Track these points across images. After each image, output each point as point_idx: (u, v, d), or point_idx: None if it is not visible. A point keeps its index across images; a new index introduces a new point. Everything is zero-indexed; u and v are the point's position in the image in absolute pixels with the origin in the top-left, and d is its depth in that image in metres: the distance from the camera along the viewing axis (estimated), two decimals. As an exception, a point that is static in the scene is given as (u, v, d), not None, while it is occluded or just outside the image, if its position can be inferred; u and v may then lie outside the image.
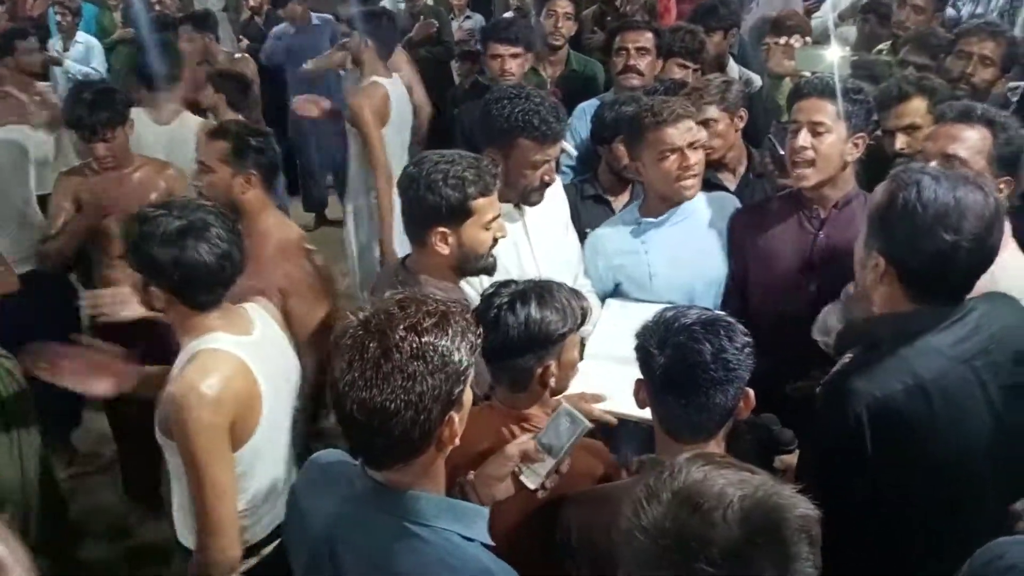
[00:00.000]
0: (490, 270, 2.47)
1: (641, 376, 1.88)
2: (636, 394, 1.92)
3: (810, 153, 2.65)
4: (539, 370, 2.07)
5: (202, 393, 2.12)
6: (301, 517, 1.73)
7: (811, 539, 1.16)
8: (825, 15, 5.62)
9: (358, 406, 1.44)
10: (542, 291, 2.08)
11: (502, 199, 2.66)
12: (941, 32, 4.14)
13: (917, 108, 3.10)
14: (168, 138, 4.41)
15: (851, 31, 5.40)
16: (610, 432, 2.41)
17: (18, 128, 4.40)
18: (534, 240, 2.83)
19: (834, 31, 5.15)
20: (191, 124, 4.49)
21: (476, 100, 4.58)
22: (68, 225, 3.73)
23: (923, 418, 1.85)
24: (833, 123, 2.63)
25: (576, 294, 2.19)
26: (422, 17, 6.52)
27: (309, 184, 7.05)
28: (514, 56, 4.30)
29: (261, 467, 2.33)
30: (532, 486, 1.81)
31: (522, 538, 2.02)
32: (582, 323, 2.15)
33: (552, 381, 2.11)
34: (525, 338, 2.04)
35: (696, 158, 2.86)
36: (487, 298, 2.12)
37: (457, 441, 1.57)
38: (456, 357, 1.48)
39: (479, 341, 1.55)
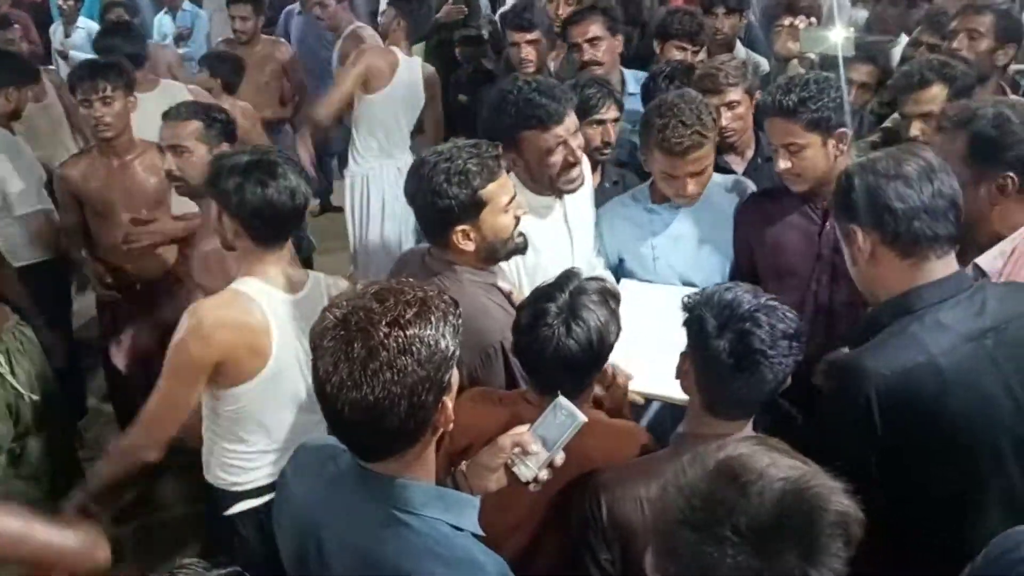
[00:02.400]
0: (521, 250, 2.44)
1: (686, 350, 1.90)
2: (679, 366, 1.92)
3: (793, 170, 2.66)
4: (597, 375, 2.10)
5: (197, 324, 2.29)
6: (289, 502, 1.73)
7: (846, 537, 1.14)
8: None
9: (350, 406, 1.43)
10: (583, 298, 2.04)
11: (539, 192, 2.67)
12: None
13: (936, 95, 3.06)
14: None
15: (860, 14, 5.37)
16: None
17: None
18: (573, 230, 2.80)
19: (841, 13, 5.11)
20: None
21: (487, 86, 4.57)
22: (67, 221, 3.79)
23: (935, 395, 1.85)
24: (803, 139, 2.62)
25: (602, 280, 2.18)
26: (451, 0, 6.47)
27: (314, 170, 7.02)
28: (530, 43, 4.27)
29: (269, 418, 2.44)
30: (524, 479, 1.78)
31: (537, 518, 2.06)
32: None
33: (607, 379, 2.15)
34: (591, 356, 2.03)
35: (697, 184, 2.83)
36: (530, 330, 2.04)
37: (451, 426, 1.57)
38: (442, 344, 1.47)
39: (460, 322, 1.53)
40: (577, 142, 2.66)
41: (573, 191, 2.72)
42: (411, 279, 1.58)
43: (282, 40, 6.23)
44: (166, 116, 3.15)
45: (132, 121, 3.82)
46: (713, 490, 1.15)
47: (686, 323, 1.87)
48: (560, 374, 2.01)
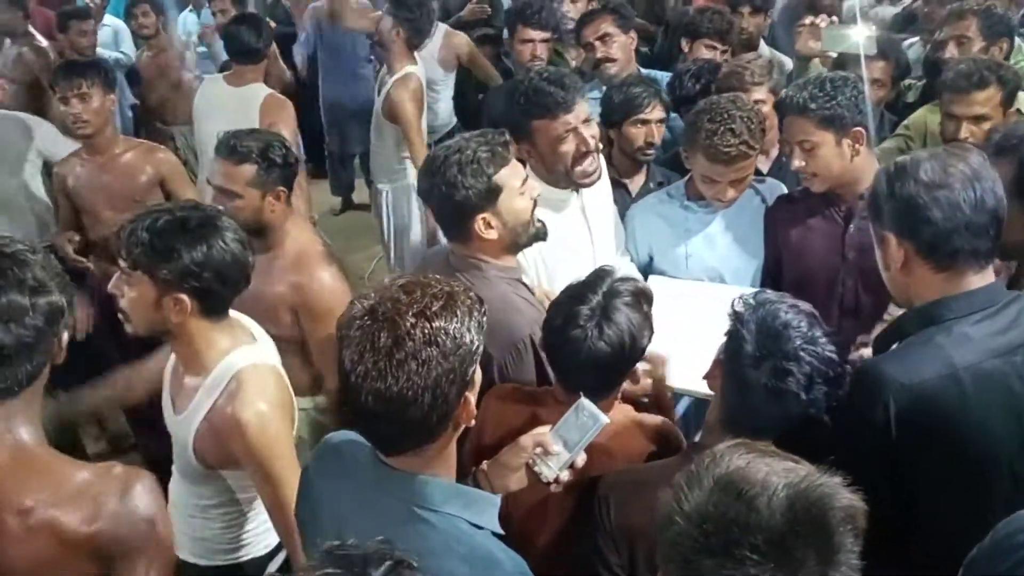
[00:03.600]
0: (543, 235, 2.43)
1: (718, 357, 1.87)
2: (709, 374, 1.90)
3: (808, 169, 2.66)
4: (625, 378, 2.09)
5: (269, 411, 2.09)
6: (312, 497, 1.74)
7: (856, 531, 1.15)
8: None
9: (373, 396, 1.43)
10: (616, 300, 2.02)
11: (555, 185, 2.65)
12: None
13: (991, 97, 3.04)
14: (237, 99, 4.46)
15: (887, 11, 5.33)
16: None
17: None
18: (592, 222, 2.80)
19: (869, 11, 5.08)
20: (259, 91, 4.49)
21: (500, 86, 4.58)
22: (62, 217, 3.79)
23: (955, 408, 1.80)
24: (817, 136, 2.61)
25: (636, 281, 2.16)
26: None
27: (337, 168, 7.04)
28: (544, 41, 4.30)
29: None
30: (545, 479, 1.79)
31: (553, 517, 2.05)
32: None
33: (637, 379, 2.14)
34: (623, 359, 2.02)
35: (735, 191, 2.84)
36: (562, 330, 2.03)
37: (473, 422, 1.57)
38: (467, 338, 1.47)
39: (485, 319, 1.53)
40: (590, 131, 2.65)
41: (589, 184, 2.71)
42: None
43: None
44: (219, 150, 2.78)
45: (210, 107, 3.84)
46: (722, 512, 1.14)
47: (728, 333, 1.83)
48: (590, 375, 2.00)
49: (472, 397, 1.54)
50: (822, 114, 2.59)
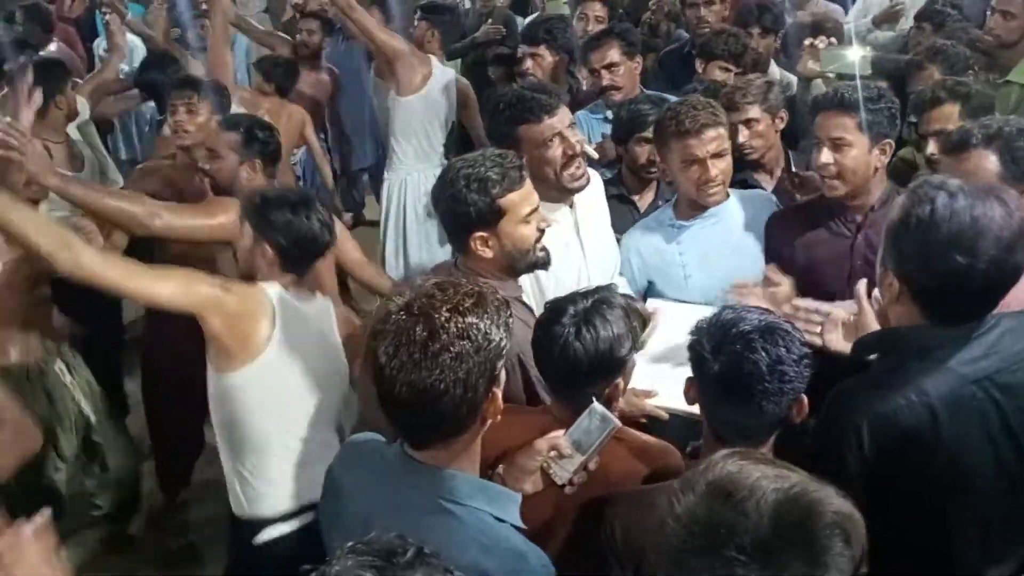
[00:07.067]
0: (543, 264, 2.45)
1: (692, 374, 1.89)
2: (686, 392, 1.93)
3: (833, 168, 2.64)
4: (608, 390, 2.10)
5: (224, 285, 2.44)
6: (337, 494, 1.80)
7: (846, 537, 1.16)
8: (856, 18, 5.63)
9: (407, 388, 1.51)
10: (603, 307, 2.06)
11: (547, 199, 2.63)
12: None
13: (949, 114, 3.09)
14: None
15: (883, 35, 5.42)
16: (661, 427, 2.41)
17: None
18: (585, 240, 2.81)
19: (865, 34, 5.16)
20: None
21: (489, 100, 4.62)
22: None
23: (926, 436, 1.80)
24: (853, 136, 2.61)
25: (632, 300, 2.19)
26: (489, 20, 6.56)
27: (346, 184, 7.11)
28: (533, 56, 4.27)
29: (273, 435, 2.51)
30: (560, 481, 1.85)
31: (556, 535, 2.05)
32: (643, 330, 2.15)
33: (619, 396, 2.14)
34: (596, 364, 2.04)
35: (718, 168, 2.83)
36: (545, 326, 2.09)
37: (499, 417, 1.63)
38: (496, 335, 1.55)
39: (511, 320, 1.61)
40: (575, 136, 2.69)
41: (579, 188, 2.72)
42: None
43: None
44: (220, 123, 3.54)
45: None
46: (711, 514, 1.17)
47: (690, 348, 1.87)
48: (562, 373, 2.05)
49: (499, 393, 1.61)
50: (866, 117, 2.59)
